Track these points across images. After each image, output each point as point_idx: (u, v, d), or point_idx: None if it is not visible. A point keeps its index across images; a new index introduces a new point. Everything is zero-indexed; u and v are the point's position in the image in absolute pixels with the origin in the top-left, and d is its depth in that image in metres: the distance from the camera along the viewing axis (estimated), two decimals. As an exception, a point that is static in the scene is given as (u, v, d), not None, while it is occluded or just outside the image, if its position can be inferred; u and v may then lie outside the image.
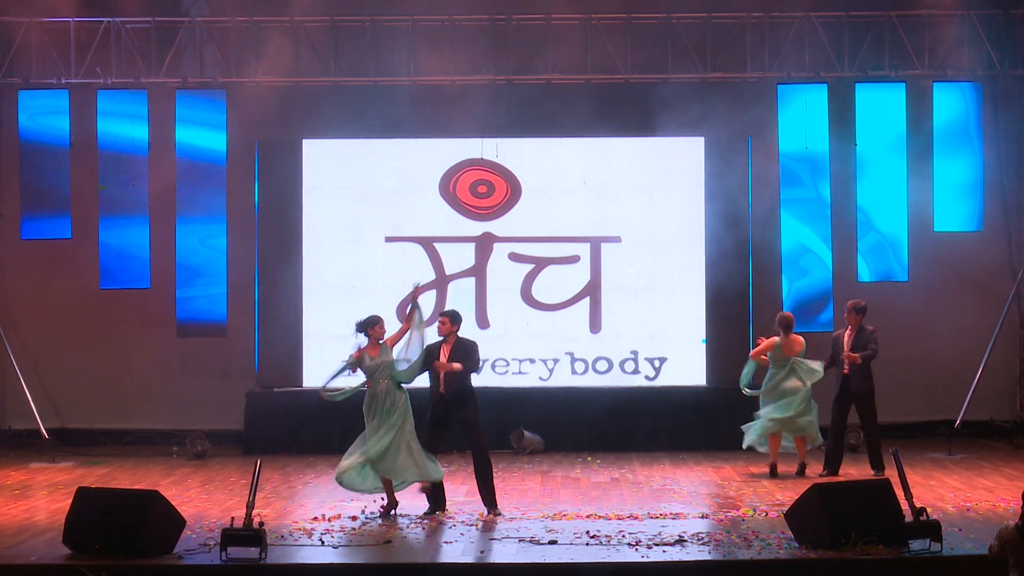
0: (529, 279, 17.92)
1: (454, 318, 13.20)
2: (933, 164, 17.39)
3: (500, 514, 12.65)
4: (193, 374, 18.30)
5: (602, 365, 17.84)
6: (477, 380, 17.64)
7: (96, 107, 17.33)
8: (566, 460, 16.58)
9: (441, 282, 17.91)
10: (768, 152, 17.67)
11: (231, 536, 10.59)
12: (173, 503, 11.37)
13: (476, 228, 17.95)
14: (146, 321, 18.24)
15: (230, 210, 17.55)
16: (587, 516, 12.55)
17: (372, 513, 12.72)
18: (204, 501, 13.62)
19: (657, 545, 11.07)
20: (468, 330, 17.69)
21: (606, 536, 11.52)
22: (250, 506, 10.74)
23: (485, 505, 12.84)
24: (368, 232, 17.93)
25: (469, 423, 12.94)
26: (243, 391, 17.75)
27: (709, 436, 17.43)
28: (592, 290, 17.90)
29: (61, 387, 18.31)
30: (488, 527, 12.08)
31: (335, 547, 11.16)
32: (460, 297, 17.74)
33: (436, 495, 12.89)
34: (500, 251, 17.96)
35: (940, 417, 17.86)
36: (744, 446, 15.27)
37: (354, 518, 12.47)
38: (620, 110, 17.82)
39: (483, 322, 17.82)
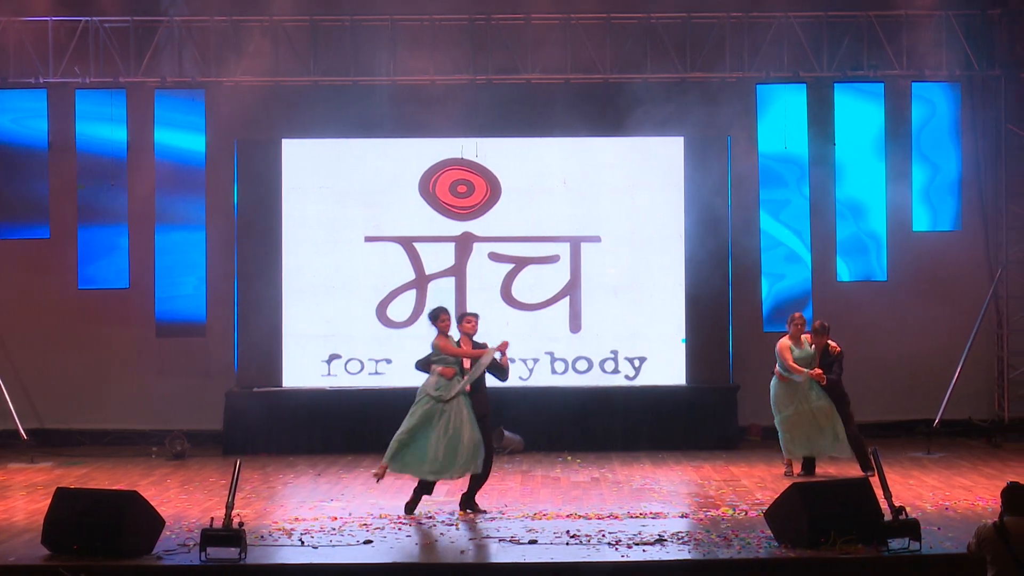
0: (509, 279, 17.92)
1: (478, 319, 13.20)
2: (911, 164, 17.45)
3: (482, 512, 12.70)
4: (172, 374, 18.26)
5: (582, 365, 17.86)
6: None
7: (74, 106, 17.26)
8: (546, 460, 16.58)
9: (421, 282, 17.91)
10: (747, 152, 17.72)
11: (211, 536, 10.56)
12: (152, 503, 11.33)
13: (456, 228, 17.95)
14: (125, 321, 18.20)
15: (209, 210, 17.50)
16: (567, 516, 12.56)
17: (352, 514, 12.71)
18: (183, 501, 13.59)
19: (637, 544, 11.07)
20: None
21: (586, 536, 11.52)
22: (229, 506, 10.71)
23: (466, 500, 12.85)
24: (348, 232, 17.92)
25: (486, 422, 12.99)
26: (222, 391, 17.71)
27: (689, 435, 17.48)
28: (572, 290, 17.92)
29: (39, 387, 18.25)
30: (470, 526, 12.09)
31: (315, 547, 11.13)
32: (440, 297, 17.71)
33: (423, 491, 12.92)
34: (480, 251, 17.97)
35: (919, 416, 17.93)
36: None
37: (334, 518, 12.44)
38: (600, 110, 17.86)
39: (463, 322, 17.81)
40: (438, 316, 12.95)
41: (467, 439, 12.61)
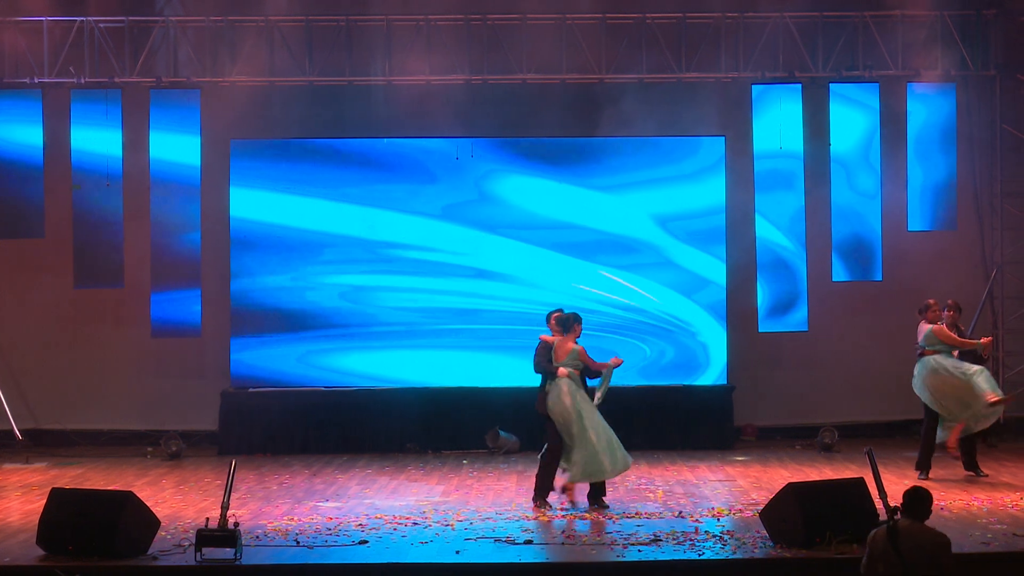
0: (504, 279, 17.96)
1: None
2: (906, 164, 17.47)
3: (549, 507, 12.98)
4: (167, 374, 18.25)
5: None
6: (450, 380, 17.72)
7: (69, 107, 17.25)
8: (542, 460, 16.56)
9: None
10: (743, 152, 17.71)
11: (206, 537, 10.56)
12: (147, 504, 11.34)
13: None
14: (120, 321, 18.20)
15: (204, 209, 17.48)
16: (561, 516, 12.57)
17: (345, 512, 12.71)
18: (179, 502, 13.58)
19: (632, 545, 11.08)
20: (443, 330, 17.84)
21: (581, 536, 11.54)
22: (225, 506, 10.72)
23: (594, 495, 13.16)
24: (344, 232, 17.87)
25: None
26: (218, 391, 17.69)
27: (684, 435, 17.48)
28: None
29: (34, 388, 18.24)
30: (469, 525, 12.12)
31: (310, 548, 11.13)
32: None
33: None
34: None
35: (915, 416, 17.80)
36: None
37: (329, 519, 12.44)
38: (595, 110, 17.81)
39: (458, 322, 17.86)
40: (579, 321, 13.21)
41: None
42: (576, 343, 13.17)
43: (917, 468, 14.78)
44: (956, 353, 14.77)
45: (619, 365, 13.19)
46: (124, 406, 18.21)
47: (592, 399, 13.19)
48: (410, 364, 17.72)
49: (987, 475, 14.63)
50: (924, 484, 14.08)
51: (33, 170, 17.29)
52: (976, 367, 14.61)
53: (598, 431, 12.99)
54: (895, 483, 14.01)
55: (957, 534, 10.95)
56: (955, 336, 14.74)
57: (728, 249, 17.78)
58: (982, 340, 14.77)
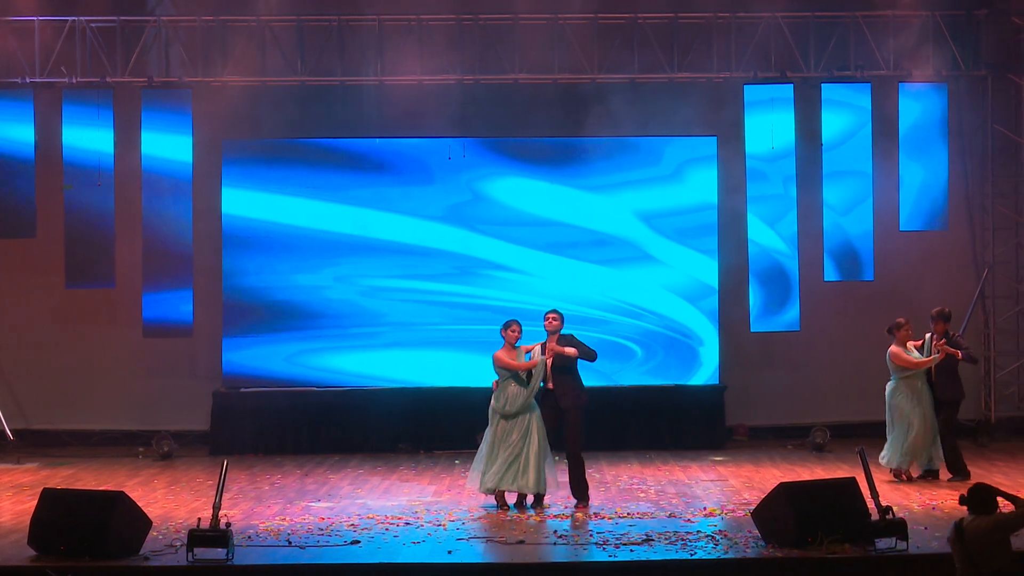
0: (496, 279, 17.96)
1: (561, 316, 13.37)
2: (899, 164, 17.47)
3: (587, 505, 13.05)
4: (159, 374, 18.22)
5: (569, 364, 17.83)
6: (441, 379, 17.71)
7: (61, 106, 17.21)
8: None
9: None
10: (734, 152, 17.71)
11: (198, 537, 10.56)
12: (139, 504, 11.34)
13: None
14: (112, 321, 18.17)
15: (196, 209, 17.44)
16: (554, 516, 12.58)
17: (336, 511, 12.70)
18: (170, 502, 13.57)
19: (624, 545, 11.08)
20: (435, 330, 17.84)
21: (574, 536, 11.54)
22: (217, 507, 10.71)
23: (575, 497, 13.17)
24: (337, 232, 17.86)
25: (569, 416, 13.26)
26: (209, 391, 17.69)
27: (676, 435, 17.49)
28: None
29: (26, 388, 18.21)
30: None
31: (302, 548, 11.13)
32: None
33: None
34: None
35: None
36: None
37: (321, 519, 12.44)
38: (587, 110, 17.80)
39: (450, 322, 17.86)
40: (507, 327, 13.25)
41: (532, 454, 13.06)
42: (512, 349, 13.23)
43: (952, 472, 14.58)
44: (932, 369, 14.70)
45: (544, 362, 13.14)
46: (116, 406, 18.19)
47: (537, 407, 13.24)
48: (402, 364, 17.73)
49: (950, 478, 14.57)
50: (910, 485, 14.18)
51: (24, 170, 17.25)
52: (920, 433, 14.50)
53: (494, 448, 13.16)
54: (887, 483, 14.05)
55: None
56: (909, 359, 14.64)
57: (720, 249, 17.79)
58: (937, 356, 14.58)
